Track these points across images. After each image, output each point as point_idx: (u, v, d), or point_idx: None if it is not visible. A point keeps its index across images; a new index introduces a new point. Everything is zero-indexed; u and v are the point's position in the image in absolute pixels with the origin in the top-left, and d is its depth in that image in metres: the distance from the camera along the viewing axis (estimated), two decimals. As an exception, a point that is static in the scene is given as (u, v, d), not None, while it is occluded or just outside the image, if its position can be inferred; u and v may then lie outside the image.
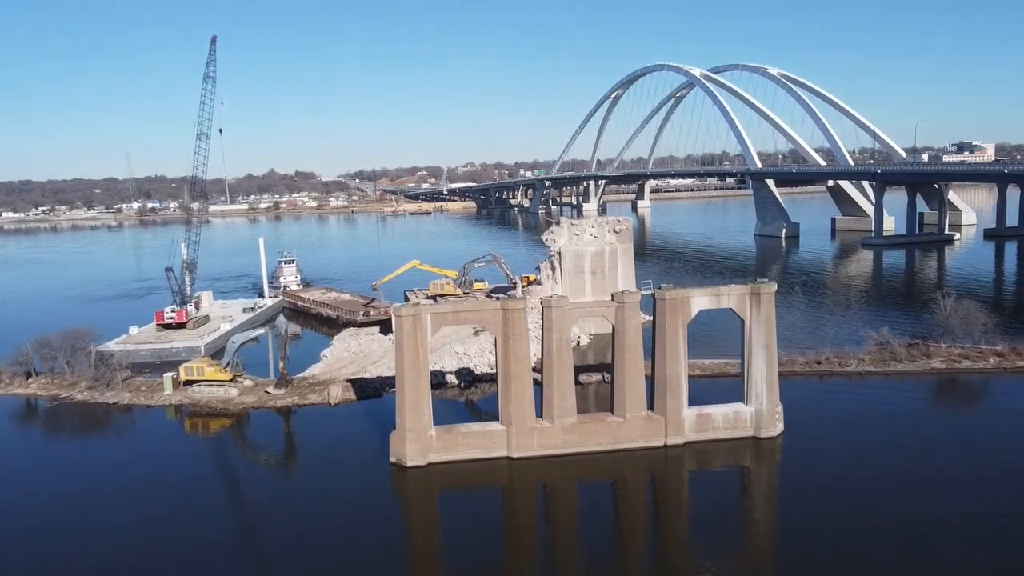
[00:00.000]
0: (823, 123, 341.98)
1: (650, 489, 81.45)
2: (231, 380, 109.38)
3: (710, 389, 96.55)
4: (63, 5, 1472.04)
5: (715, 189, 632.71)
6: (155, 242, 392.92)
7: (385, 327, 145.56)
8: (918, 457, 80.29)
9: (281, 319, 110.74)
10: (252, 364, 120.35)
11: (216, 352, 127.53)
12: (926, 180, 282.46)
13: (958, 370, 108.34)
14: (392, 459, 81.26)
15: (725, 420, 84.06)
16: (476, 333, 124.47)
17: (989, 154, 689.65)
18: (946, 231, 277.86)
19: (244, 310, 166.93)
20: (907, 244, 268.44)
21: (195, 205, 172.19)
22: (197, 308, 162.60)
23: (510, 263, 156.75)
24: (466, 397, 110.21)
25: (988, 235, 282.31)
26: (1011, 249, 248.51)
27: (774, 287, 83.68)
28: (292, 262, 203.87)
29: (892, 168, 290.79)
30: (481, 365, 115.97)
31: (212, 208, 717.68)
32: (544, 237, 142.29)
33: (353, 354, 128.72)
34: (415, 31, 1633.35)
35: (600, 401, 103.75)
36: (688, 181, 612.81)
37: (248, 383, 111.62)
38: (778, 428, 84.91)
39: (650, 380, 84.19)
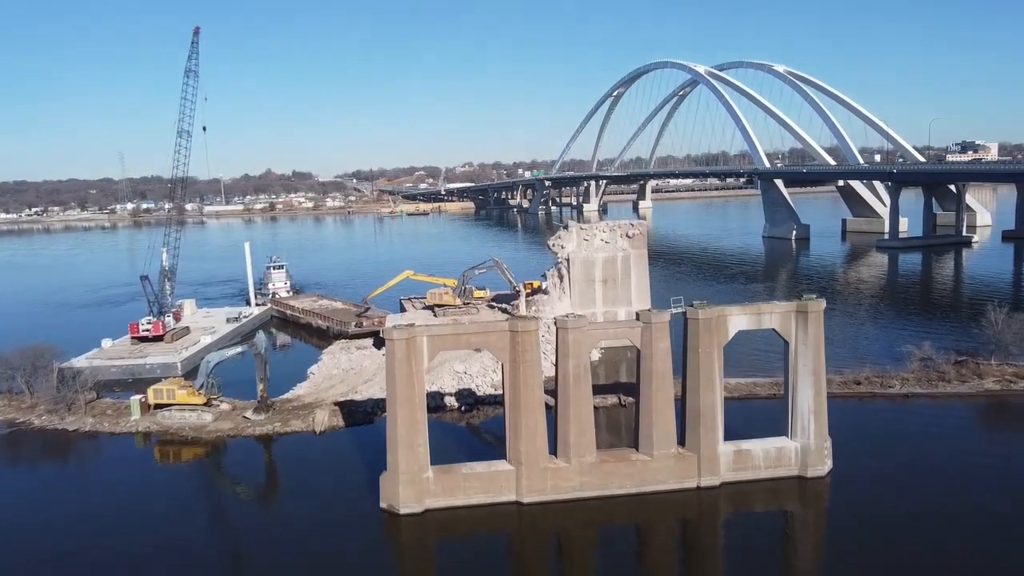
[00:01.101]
0: (832, 121, 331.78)
1: (680, 537, 70.53)
2: (205, 404, 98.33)
3: (739, 415, 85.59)
4: (60, 4, 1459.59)
5: (716, 189, 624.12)
6: (146, 243, 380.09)
7: (379, 340, 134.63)
8: (985, 499, 69.56)
9: (260, 336, 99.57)
10: (233, 382, 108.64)
11: (194, 369, 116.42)
12: (945, 180, 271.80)
13: (1014, 392, 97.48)
14: (383, 504, 70.20)
15: (767, 457, 73.14)
16: (478, 349, 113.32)
17: (992, 153, 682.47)
18: (963, 233, 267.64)
19: (228, 320, 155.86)
20: (924, 247, 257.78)
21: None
22: (177, 319, 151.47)
23: (510, 267, 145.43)
24: (467, 421, 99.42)
25: (1006, 237, 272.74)
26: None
27: (823, 304, 72.90)
28: (281, 267, 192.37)
29: (909, 168, 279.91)
30: (483, 386, 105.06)
31: (207, 209, 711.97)
32: (551, 242, 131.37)
33: (343, 371, 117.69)
34: (413, 30, 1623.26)
35: (614, 427, 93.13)
36: (688, 181, 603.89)
37: (225, 407, 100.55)
38: (826, 466, 74.04)
39: (680, 411, 73.22)
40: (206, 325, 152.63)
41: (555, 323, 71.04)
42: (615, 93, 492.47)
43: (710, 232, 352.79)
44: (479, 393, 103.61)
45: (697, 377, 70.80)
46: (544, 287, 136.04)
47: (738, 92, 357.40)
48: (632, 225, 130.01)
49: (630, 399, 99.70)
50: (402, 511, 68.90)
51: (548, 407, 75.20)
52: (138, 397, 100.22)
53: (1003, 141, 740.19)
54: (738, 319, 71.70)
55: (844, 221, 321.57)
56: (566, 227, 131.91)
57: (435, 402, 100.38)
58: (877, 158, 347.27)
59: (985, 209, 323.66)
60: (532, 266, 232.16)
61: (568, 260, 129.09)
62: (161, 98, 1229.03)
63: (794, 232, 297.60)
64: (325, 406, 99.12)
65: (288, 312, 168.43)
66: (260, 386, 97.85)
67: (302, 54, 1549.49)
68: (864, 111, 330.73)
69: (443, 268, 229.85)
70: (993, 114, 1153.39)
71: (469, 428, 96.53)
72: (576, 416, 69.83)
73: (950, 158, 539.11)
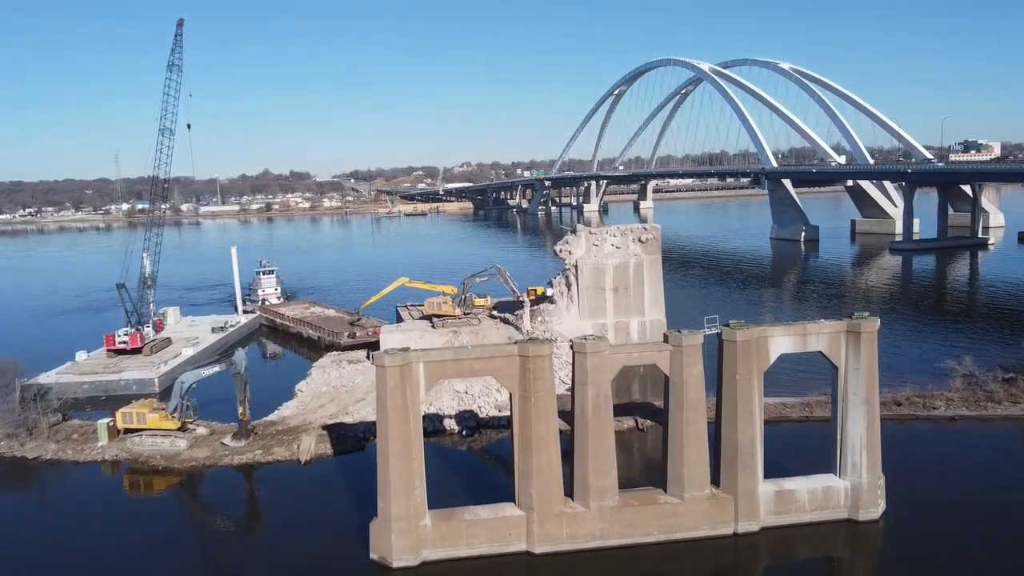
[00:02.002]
0: (840, 120, 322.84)
1: (715, 591, 61.71)
2: (179, 428, 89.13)
3: (770, 442, 76.03)
4: (58, 4, 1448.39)
5: (716, 189, 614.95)
6: (139, 245, 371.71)
7: (373, 351, 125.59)
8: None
9: (240, 354, 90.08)
10: (214, 400, 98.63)
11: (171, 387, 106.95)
12: (962, 180, 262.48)
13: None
14: (373, 556, 60.91)
15: (812, 498, 64.02)
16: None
17: (995, 152, 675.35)
18: (979, 235, 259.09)
19: (213, 330, 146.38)
20: (939, 249, 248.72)
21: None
22: (159, 329, 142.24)
23: (511, 270, 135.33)
24: (468, 446, 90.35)
25: (1022, 238, 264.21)
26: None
27: (877, 324, 63.73)
28: (272, 273, 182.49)
29: (925, 167, 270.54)
30: (487, 407, 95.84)
31: (202, 209, 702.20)
32: (558, 248, 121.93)
33: (333, 388, 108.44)
34: (410, 28, 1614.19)
35: (631, 456, 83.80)
36: (688, 181, 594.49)
37: (201, 431, 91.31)
38: (880, 507, 64.91)
39: (714, 446, 64.05)
40: (190, 335, 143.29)
41: (571, 346, 61.94)
42: (616, 92, 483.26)
43: (715, 233, 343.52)
44: (482, 415, 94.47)
45: (735, 408, 61.72)
46: (549, 294, 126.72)
47: (743, 90, 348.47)
48: (645, 229, 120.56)
49: (648, 422, 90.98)
50: (395, 564, 59.65)
51: (561, 431, 66.22)
52: (106, 421, 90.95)
53: (1005, 140, 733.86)
54: (781, 341, 62.63)
55: (853, 222, 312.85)
56: (574, 231, 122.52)
57: (433, 425, 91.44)
58: (871, 159, 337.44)
59: (998, 210, 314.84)
60: (534, 270, 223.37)
61: (576, 267, 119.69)
62: (157, 98, 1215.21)
63: (803, 233, 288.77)
64: (312, 430, 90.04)
65: (278, 320, 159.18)
66: (240, 409, 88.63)
67: (301, 53, 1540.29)
68: (873, 110, 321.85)
69: (441, 271, 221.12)
70: (994, 114, 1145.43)
71: (472, 456, 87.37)
72: (596, 453, 60.69)
73: (953, 157, 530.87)
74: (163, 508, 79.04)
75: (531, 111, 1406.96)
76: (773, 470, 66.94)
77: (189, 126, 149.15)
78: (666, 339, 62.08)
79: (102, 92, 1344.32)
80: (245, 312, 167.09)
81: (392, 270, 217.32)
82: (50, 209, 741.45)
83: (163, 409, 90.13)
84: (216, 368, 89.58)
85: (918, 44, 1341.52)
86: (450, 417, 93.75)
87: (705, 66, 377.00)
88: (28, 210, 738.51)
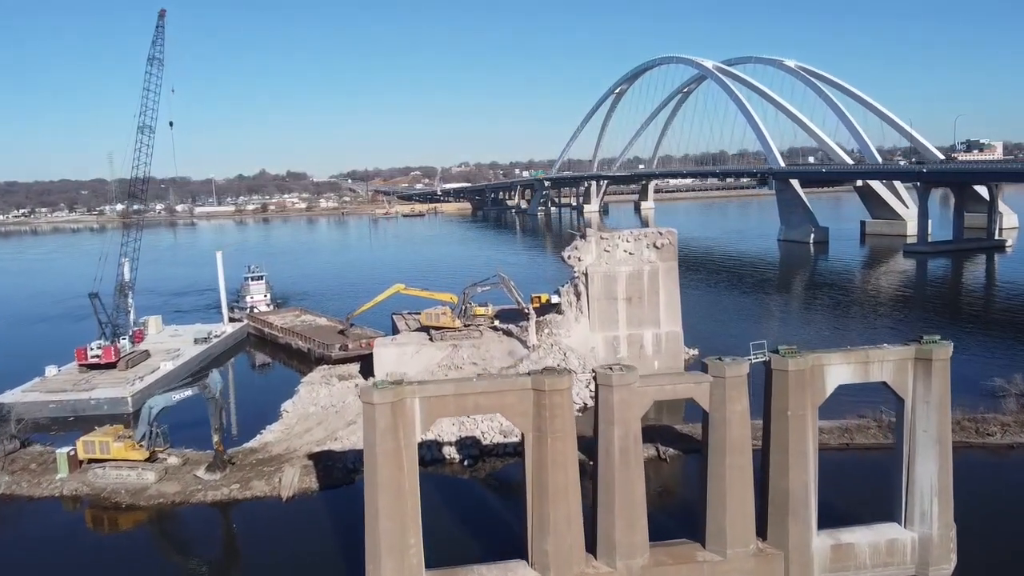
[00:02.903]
0: (848, 119, 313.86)
1: (762, 663, 52.53)
2: (148, 459, 79.86)
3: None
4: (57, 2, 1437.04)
5: (716, 189, 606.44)
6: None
7: (366, 366, 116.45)
8: None
9: (214, 376, 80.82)
10: (187, 424, 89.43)
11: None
12: (979, 180, 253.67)
13: None
14: (361, 625, 51.88)
15: (874, 552, 54.85)
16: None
17: (998, 152, 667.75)
18: (996, 236, 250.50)
19: (196, 341, 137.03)
20: (955, 251, 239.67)
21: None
22: (138, 340, 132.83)
23: (512, 274, 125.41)
24: (470, 475, 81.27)
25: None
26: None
27: (950, 349, 54.60)
28: (261, 278, 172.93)
29: (941, 167, 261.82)
30: (490, 432, 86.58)
31: (198, 210, 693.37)
32: (566, 254, 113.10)
33: (321, 409, 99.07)
34: (409, 27, 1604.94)
35: (649, 488, 74.29)
36: (689, 181, 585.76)
37: (173, 460, 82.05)
38: (952, 562, 55.83)
39: (758, 490, 54.87)
40: (171, 347, 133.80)
41: (594, 378, 52.77)
42: (617, 90, 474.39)
43: (719, 234, 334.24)
44: (485, 442, 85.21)
45: (785, 449, 52.56)
46: (555, 301, 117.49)
47: (748, 88, 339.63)
48: (660, 234, 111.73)
49: (671, 450, 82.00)
50: (387, 636, 50.51)
51: (583, 469, 57.01)
52: (66, 450, 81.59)
53: (1006, 140, 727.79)
54: (839, 370, 53.48)
55: (863, 223, 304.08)
56: (583, 236, 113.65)
57: (431, 454, 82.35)
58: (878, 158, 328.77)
59: (1010, 210, 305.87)
60: (535, 272, 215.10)
61: (586, 274, 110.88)
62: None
63: (812, 235, 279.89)
64: (296, 460, 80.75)
65: (266, 330, 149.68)
66: (214, 438, 79.31)
67: (299, 53, 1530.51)
68: (882, 108, 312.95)
69: (440, 274, 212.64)
70: (995, 113, 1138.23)
71: (474, 492, 77.75)
72: (624, 504, 51.50)
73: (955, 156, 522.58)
74: (125, 554, 69.24)
75: (530, 111, 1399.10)
76: (819, 514, 57.86)
77: (171, 124, 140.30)
78: (705, 368, 52.92)
79: (101, 92, 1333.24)
80: (232, 320, 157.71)
81: (389, 273, 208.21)
82: (44, 210, 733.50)
83: (129, 437, 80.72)
84: (188, 392, 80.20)
85: (917, 44, 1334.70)
86: (450, 444, 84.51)
87: (709, 63, 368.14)
88: (22, 211, 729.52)
